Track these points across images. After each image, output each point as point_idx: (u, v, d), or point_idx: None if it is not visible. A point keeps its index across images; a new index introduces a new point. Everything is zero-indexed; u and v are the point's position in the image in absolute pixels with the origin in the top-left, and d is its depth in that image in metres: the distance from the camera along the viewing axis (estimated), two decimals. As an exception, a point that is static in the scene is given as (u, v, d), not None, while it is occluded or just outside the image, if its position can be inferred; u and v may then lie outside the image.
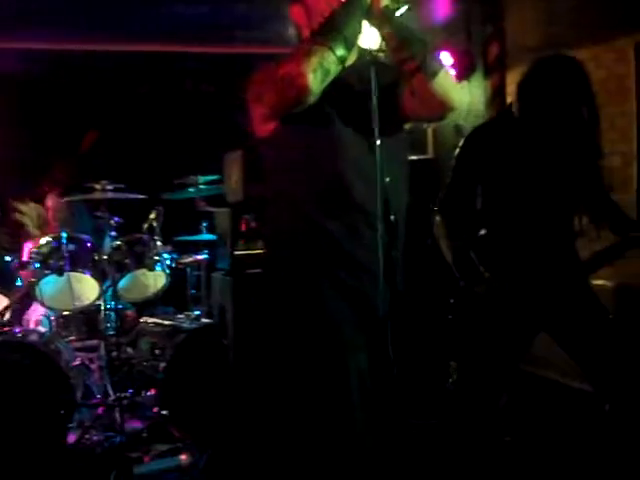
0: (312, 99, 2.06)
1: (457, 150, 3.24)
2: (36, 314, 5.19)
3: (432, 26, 5.53)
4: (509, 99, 5.55)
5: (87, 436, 4.39)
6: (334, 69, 2.07)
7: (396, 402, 2.36)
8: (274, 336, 2.43)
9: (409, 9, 2.14)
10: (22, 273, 4.78)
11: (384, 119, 2.25)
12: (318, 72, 2.02)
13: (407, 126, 2.48)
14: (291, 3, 2.38)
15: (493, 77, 5.45)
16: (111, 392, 4.69)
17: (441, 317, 3.40)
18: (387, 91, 2.33)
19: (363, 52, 2.30)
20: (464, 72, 5.45)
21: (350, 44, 2.09)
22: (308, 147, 2.25)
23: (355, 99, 2.28)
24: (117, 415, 4.47)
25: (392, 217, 2.30)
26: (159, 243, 4.98)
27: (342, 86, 2.16)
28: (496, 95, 5.44)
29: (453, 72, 5.33)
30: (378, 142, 2.23)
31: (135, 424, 4.59)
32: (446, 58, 5.51)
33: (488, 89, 5.47)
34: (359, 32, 2.14)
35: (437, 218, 3.24)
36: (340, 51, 2.06)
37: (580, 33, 5.43)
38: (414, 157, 5.37)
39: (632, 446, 2.98)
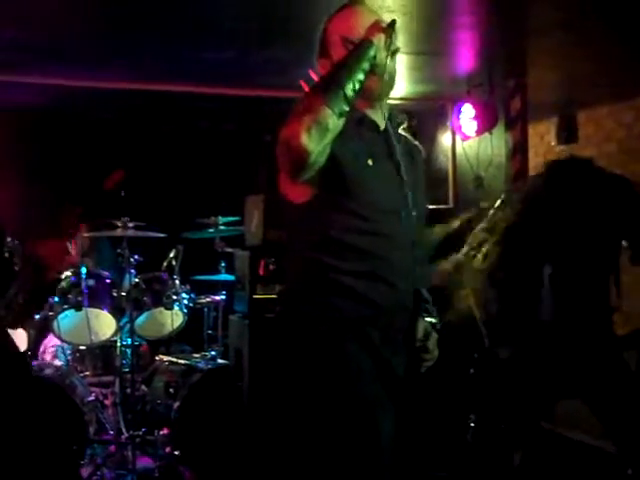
0: (315, 158, 2.02)
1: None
2: (52, 345, 5.22)
3: (455, 77, 5.61)
4: (530, 152, 5.61)
5: (99, 473, 4.39)
6: (332, 124, 2.02)
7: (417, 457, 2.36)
8: (291, 384, 2.43)
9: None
10: None
11: None
12: (313, 130, 1.97)
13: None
14: (319, 57, 2.39)
15: (514, 130, 5.50)
16: (124, 429, 4.70)
17: (463, 370, 3.41)
18: None
19: None
20: (486, 124, 5.49)
21: (350, 98, 2.05)
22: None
23: None
24: (129, 453, 4.47)
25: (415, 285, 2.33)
26: (177, 282, 5.01)
27: None
28: (517, 148, 5.48)
29: (475, 124, 5.42)
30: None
31: (146, 463, 4.60)
32: (468, 110, 5.58)
33: (509, 142, 5.52)
34: (359, 84, 2.10)
35: None
36: (338, 106, 2.02)
37: (600, 91, 5.50)
38: (434, 207, 5.40)
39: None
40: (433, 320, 2.35)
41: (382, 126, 2.36)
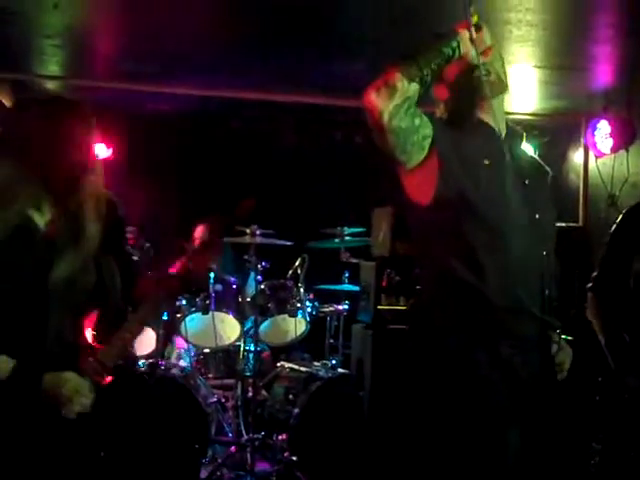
0: (388, 119, 2.14)
1: (614, 226, 3.16)
2: (177, 346, 5.36)
3: (591, 92, 5.45)
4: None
5: (218, 473, 4.49)
6: (401, 86, 2.15)
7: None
8: (415, 397, 2.42)
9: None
10: None
11: None
12: (382, 90, 2.14)
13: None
14: (437, 84, 2.41)
15: (653, 148, 5.28)
16: (244, 432, 4.78)
17: (587, 395, 3.29)
18: None
19: None
20: (623, 141, 5.31)
21: (424, 74, 2.20)
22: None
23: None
24: (248, 455, 4.55)
25: (547, 292, 2.30)
26: (302, 290, 5.07)
27: None
28: (656, 167, 5.27)
29: (611, 141, 5.24)
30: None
31: (264, 466, 4.66)
32: (604, 126, 5.41)
33: (647, 160, 5.31)
34: (437, 66, 2.24)
35: (589, 295, 3.16)
36: (409, 73, 2.17)
37: None
38: (563, 224, 5.26)
39: None
40: (566, 336, 2.30)
41: (498, 130, 2.37)
